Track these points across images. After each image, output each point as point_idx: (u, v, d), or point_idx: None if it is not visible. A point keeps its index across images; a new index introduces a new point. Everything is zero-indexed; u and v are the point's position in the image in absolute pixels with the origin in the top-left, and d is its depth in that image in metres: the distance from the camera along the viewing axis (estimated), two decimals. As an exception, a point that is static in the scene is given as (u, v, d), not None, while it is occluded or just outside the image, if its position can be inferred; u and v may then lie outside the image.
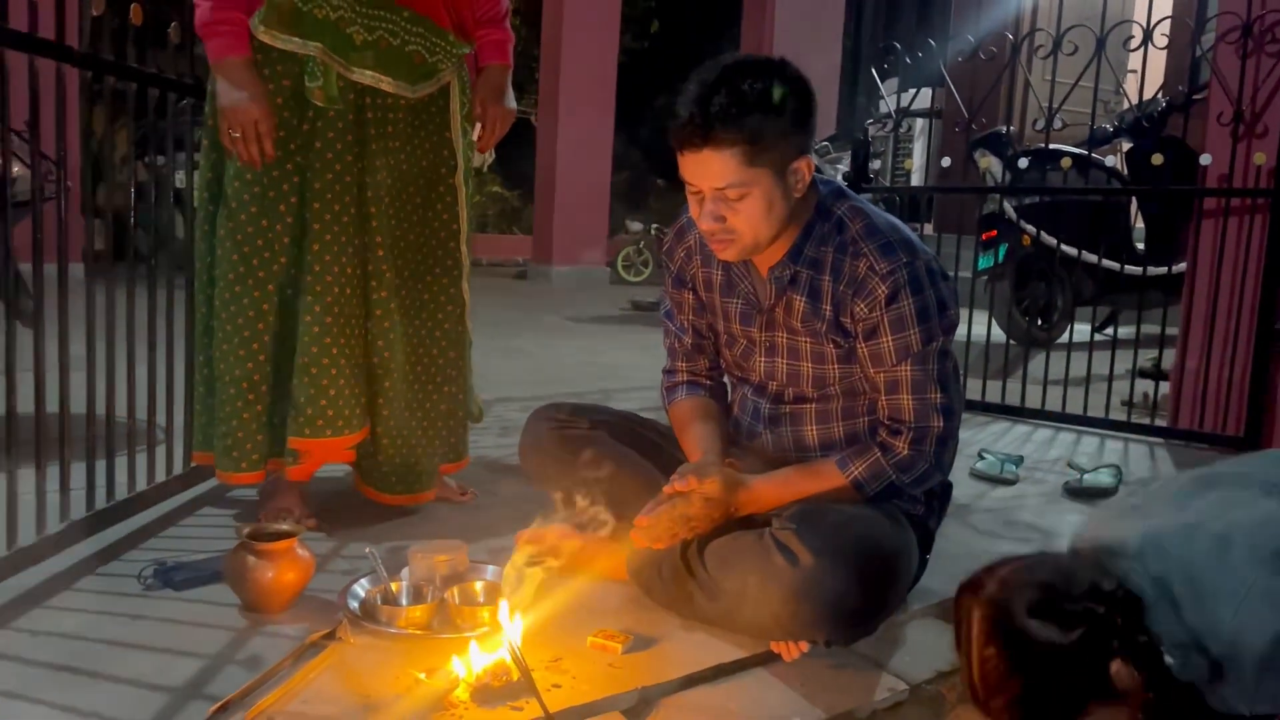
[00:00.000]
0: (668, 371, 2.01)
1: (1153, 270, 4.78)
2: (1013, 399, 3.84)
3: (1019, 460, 3.00)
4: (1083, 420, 3.66)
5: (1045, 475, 2.96)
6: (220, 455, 2.07)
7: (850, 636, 1.60)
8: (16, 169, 2.38)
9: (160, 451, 2.18)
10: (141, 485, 2.07)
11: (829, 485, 1.75)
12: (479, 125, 2.19)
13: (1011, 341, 5.23)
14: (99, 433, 1.91)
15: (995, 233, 5.15)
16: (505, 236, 11.13)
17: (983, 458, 2.99)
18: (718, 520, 1.73)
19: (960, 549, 2.19)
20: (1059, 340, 5.13)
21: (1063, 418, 3.70)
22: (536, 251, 9.34)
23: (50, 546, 1.76)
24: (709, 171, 1.59)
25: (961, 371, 1.84)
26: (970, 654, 1.22)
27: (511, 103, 2.23)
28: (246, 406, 2.04)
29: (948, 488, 1.93)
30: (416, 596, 1.67)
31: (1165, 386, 3.73)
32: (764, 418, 1.90)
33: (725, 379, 2.03)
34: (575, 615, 1.71)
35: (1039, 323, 5.43)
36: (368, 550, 1.75)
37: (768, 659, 1.62)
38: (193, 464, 2.22)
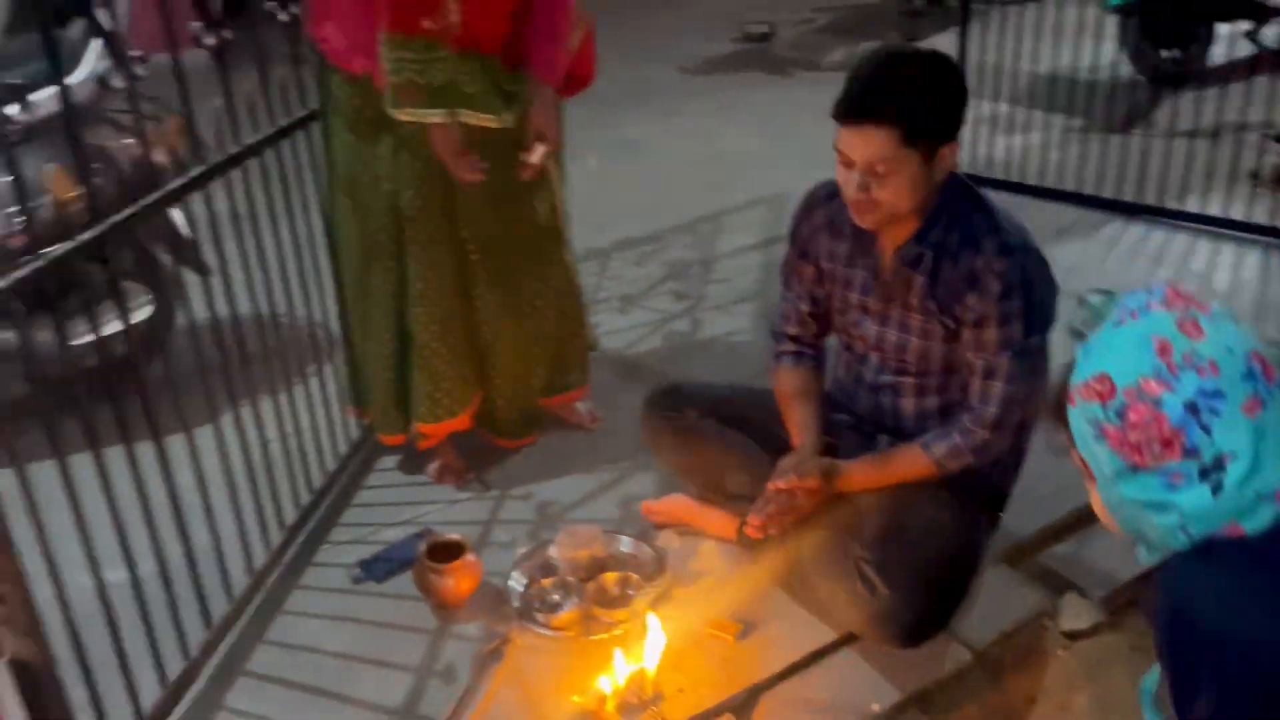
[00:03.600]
0: (777, 335, 2.20)
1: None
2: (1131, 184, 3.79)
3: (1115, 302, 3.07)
4: (1198, 219, 3.63)
5: (1143, 323, 3.04)
6: (379, 419, 2.49)
7: (921, 643, 1.90)
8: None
9: (338, 423, 2.56)
10: (330, 464, 2.49)
11: (915, 469, 1.99)
12: (540, 149, 2.24)
13: (1141, 79, 4.96)
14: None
15: (1131, -39, 4.73)
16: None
17: (1083, 304, 3.05)
18: (820, 502, 2.01)
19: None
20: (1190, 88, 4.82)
21: (1178, 215, 3.67)
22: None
23: (277, 558, 2.22)
24: (864, 147, 1.76)
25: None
26: None
27: (561, 122, 2.30)
28: (388, 386, 2.42)
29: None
30: (564, 593, 2.08)
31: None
32: (865, 384, 2.10)
33: (828, 345, 2.21)
34: (696, 604, 2.08)
35: (1169, 53, 5.06)
36: (519, 553, 2.15)
37: (854, 637, 1.97)
38: (364, 421, 2.61)
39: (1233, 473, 1.00)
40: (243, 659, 2.02)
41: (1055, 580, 2.08)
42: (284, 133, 2.18)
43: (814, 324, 2.15)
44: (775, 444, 2.11)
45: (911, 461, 1.98)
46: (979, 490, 2.04)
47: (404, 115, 2.04)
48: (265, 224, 2.15)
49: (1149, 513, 1.06)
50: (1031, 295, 1.82)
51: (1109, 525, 1.16)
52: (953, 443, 1.93)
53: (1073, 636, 1.98)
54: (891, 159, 1.73)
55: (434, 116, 2.05)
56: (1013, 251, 1.81)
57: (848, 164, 1.79)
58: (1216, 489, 1.01)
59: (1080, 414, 1.10)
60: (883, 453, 2.05)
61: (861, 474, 2.02)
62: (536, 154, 2.22)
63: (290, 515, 2.29)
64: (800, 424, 2.10)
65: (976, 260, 1.82)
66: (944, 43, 4.89)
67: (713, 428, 2.21)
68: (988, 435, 1.91)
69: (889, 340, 2.00)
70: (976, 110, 4.07)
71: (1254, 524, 1.02)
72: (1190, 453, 1.02)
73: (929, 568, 1.87)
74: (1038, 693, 1.80)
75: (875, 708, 1.85)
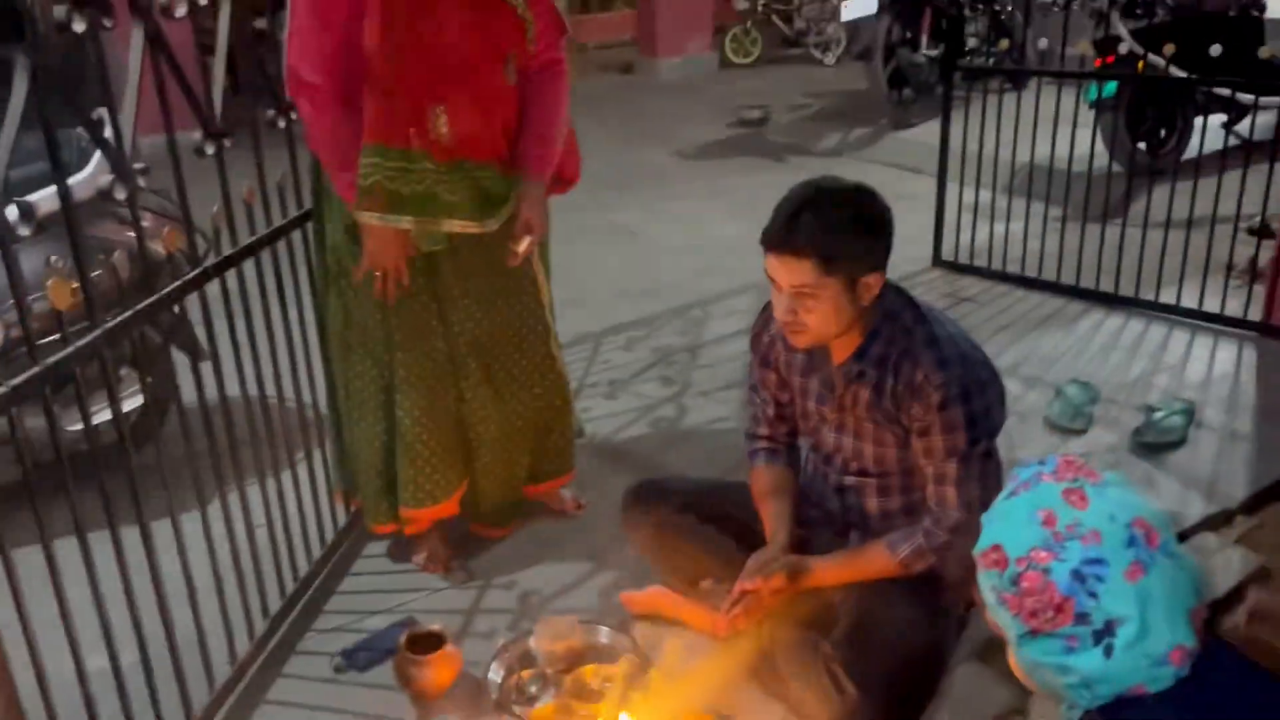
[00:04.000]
0: (750, 435, 2.27)
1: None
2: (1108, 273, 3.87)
3: (1095, 396, 3.14)
4: (1174, 310, 3.71)
5: (1119, 414, 3.11)
6: (367, 508, 2.53)
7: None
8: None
9: (325, 510, 2.60)
10: (316, 551, 2.52)
11: (880, 568, 2.04)
12: (526, 240, 2.31)
13: (1120, 170, 5.08)
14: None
15: (1112, 58, 4.87)
16: (609, 15, 10.82)
17: (1059, 395, 3.13)
18: (787, 598, 2.06)
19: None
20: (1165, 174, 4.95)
21: (1155, 306, 3.76)
22: (642, 42, 9.18)
23: (260, 647, 2.24)
24: (787, 273, 1.85)
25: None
26: None
27: (547, 215, 2.37)
28: (377, 475, 2.48)
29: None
30: (542, 685, 2.11)
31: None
32: (830, 484, 2.17)
33: (800, 441, 2.28)
34: (672, 697, 2.10)
35: (1149, 146, 5.20)
36: (499, 644, 2.17)
37: (828, 734, 1.99)
38: (352, 507, 2.66)
39: (1122, 636, 1.07)
40: (224, 748, 2.04)
41: (1026, 677, 2.12)
42: (279, 233, 2.27)
43: (783, 425, 2.22)
44: (752, 540, 2.15)
45: (877, 560, 2.03)
46: (948, 588, 2.07)
47: (365, 218, 2.13)
48: (257, 311, 2.22)
49: (1055, 673, 1.12)
50: (971, 404, 1.90)
51: (1028, 684, 1.22)
52: (916, 544, 1.99)
53: (1042, 734, 2.01)
54: (814, 285, 1.83)
55: (401, 223, 2.14)
56: (948, 364, 1.89)
57: (777, 287, 1.89)
58: (1108, 652, 1.08)
59: (984, 581, 1.17)
60: (850, 551, 2.10)
61: (828, 572, 2.07)
62: (523, 244, 2.31)
63: (275, 603, 2.32)
64: (773, 521, 2.15)
65: (916, 374, 1.91)
66: (931, 130, 5.04)
67: (690, 523, 2.25)
68: (948, 538, 1.96)
69: (847, 445, 2.08)
70: (958, 198, 4.22)
71: (1156, 686, 1.08)
72: (1081, 618, 1.08)
73: (896, 668, 1.89)
74: (1006, 791, 1.82)
75: (846, 805, 1.86)
